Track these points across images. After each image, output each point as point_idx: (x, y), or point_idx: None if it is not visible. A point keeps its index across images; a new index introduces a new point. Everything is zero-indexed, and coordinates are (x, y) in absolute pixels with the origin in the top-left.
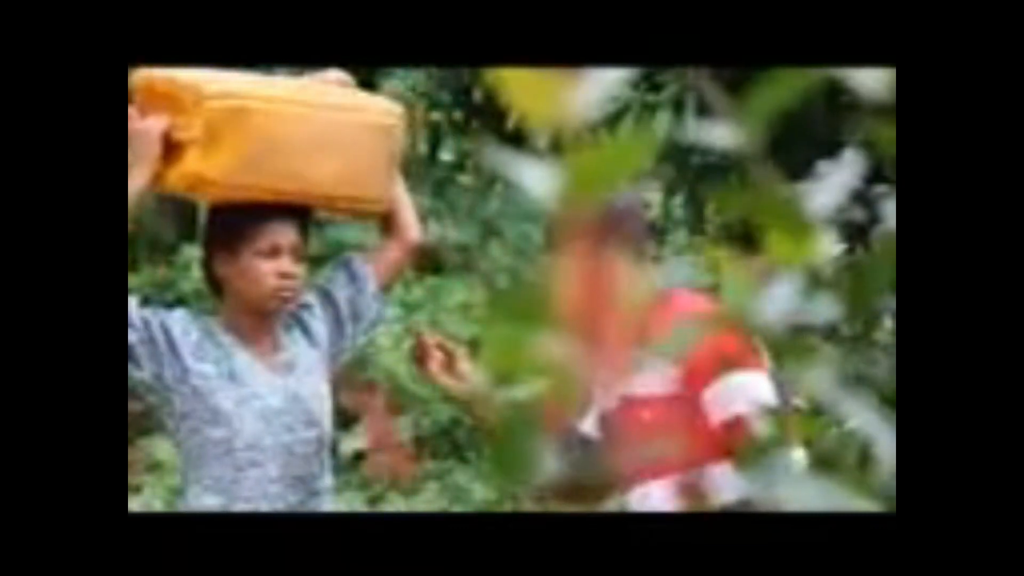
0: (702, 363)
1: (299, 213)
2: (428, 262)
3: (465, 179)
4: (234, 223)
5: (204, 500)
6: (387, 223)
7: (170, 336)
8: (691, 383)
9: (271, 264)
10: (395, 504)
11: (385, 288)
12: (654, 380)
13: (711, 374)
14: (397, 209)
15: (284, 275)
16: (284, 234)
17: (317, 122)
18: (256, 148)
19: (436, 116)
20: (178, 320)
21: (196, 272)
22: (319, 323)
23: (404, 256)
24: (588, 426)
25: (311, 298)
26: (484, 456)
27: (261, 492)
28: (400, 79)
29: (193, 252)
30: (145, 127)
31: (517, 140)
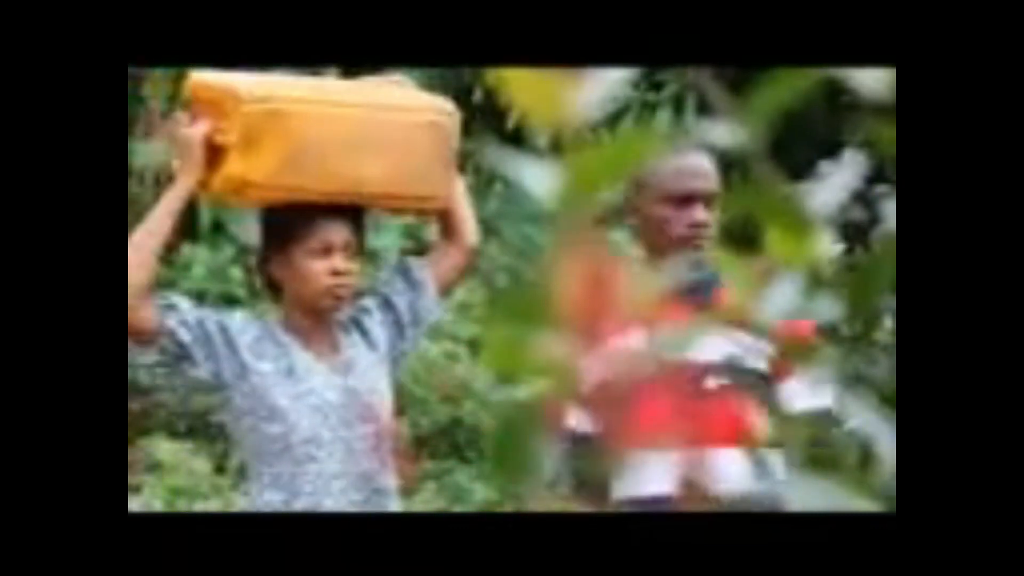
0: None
1: (351, 210)
2: None
3: (465, 179)
4: (285, 224)
5: (266, 496)
6: (446, 226)
7: (228, 334)
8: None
9: (324, 263)
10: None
11: (445, 292)
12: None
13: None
14: (456, 212)
15: (337, 273)
16: (335, 232)
17: (359, 121)
18: (294, 149)
19: None
20: (236, 319)
21: (196, 272)
22: (378, 327)
23: (463, 260)
24: (576, 421)
25: (370, 302)
26: (484, 456)
27: (323, 488)
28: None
29: (193, 252)
30: (188, 133)
31: (517, 140)
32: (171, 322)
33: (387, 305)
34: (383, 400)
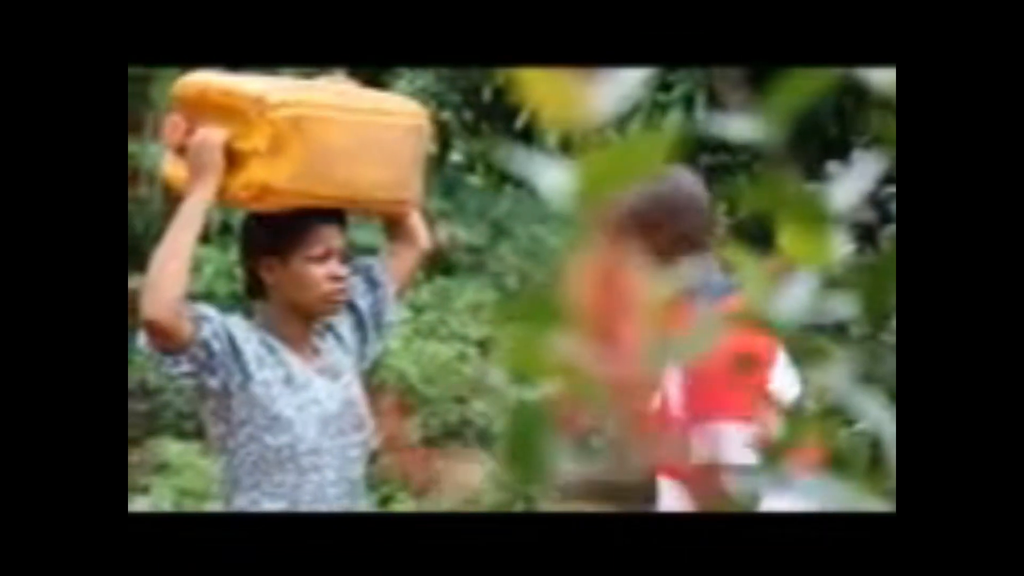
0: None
1: (340, 215)
2: (437, 263)
3: (475, 180)
4: (283, 230)
5: (265, 506)
6: (399, 229)
7: (234, 343)
8: (687, 414)
9: (323, 268)
10: (405, 504)
11: (399, 294)
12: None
13: (706, 408)
14: (411, 215)
15: (335, 278)
16: (334, 237)
17: (361, 127)
18: (314, 156)
19: (446, 117)
20: (239, 326)
21: (205, 272)
22: (347, 331)
23: (418, 262)
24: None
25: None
26: (494, 457)
27: (321, 496)
28: (408, 80)
29: (202, 253)
30: (207, 138)
31: (527, 138)
32: (205, 332)
33: (350, 307)
34: (365, 407)
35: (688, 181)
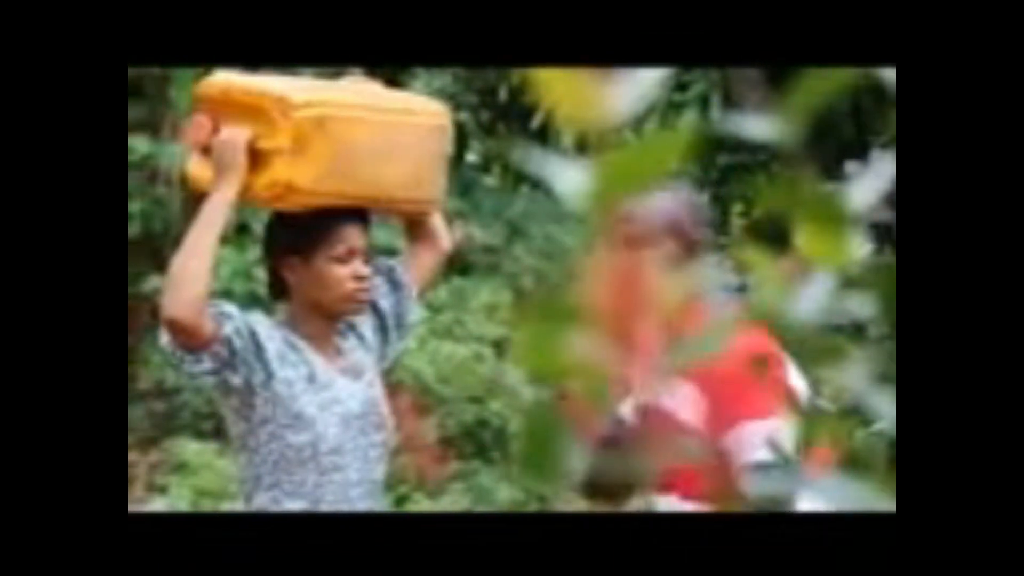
0: (723, 395)
1: (363, 215)
2: (453, 263)
3: (491, 180)
4: (307, 229)
5: (286, 505)
6: (420, 230)
7: (257, 340)
8: (712, 422)
9: (346, 268)
10: (421, 505)
11: (420, 295)
12: (684, 403)
13: (731, 411)
14: (433, 216)
15: (359, 278)
16: (357, 237)
17: (385, 126)
18: (337, 155)
19: (462, 117)
20: (262, 324)
21: (222, 272)
22: (369, 331)
23: (439, 263)
24: (626, 410)
25: None
26: (509, 457)
27: (343, 496)
28: (425, 81)
29: (219, 253)
30: (230, 138)
31: (543, 139)
32: (227, 330)
33: (373, 308)
34: (386, 407)
35: (688, 194)
